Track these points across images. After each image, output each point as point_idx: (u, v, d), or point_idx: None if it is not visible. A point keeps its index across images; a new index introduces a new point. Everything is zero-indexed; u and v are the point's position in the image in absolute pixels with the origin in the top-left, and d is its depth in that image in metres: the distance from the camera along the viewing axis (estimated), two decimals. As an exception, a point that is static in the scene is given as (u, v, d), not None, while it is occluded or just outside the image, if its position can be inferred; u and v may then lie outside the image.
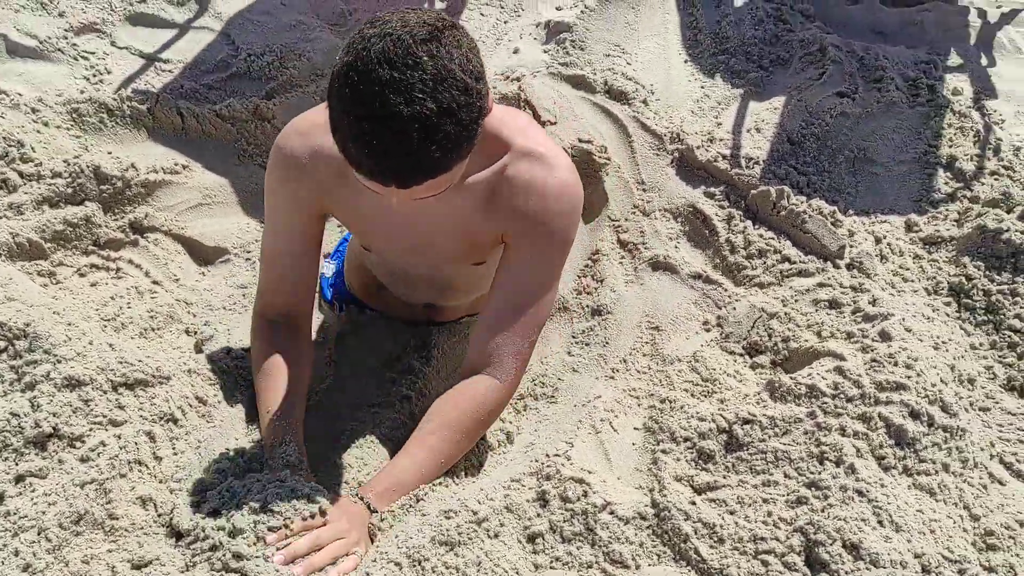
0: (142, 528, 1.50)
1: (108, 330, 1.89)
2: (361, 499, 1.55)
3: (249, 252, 2.23)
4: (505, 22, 2.81)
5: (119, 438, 1.59)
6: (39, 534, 1.44)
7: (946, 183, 2.37)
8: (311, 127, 1.60)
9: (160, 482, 1.58)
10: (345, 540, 1.46)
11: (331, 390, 1.93)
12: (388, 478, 1.59)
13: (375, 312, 2.09)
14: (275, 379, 1.67)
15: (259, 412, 1.68)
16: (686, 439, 1.77)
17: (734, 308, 2.07)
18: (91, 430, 1.60)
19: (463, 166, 1.38)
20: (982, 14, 2.96)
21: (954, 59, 2.75)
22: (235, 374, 1.86)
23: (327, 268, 2.19)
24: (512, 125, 1.59)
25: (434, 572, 1.49)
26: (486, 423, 1.69)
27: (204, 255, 2.20)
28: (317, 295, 2.15)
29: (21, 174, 2.08)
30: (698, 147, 2.38)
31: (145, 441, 1.62)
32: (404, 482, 1.59)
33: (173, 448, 1.65)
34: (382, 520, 1.56)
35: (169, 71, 2.50)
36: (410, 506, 1.68)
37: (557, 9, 2.84)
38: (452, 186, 1.44)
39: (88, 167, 2.09)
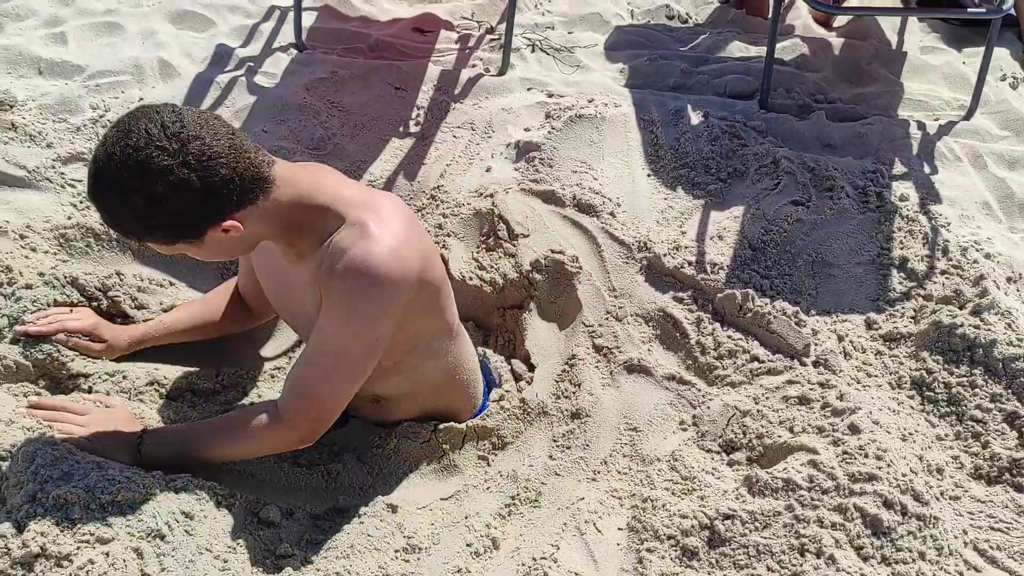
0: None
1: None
2: (144, 429, 1.85)
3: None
4: (477, 143, 2.95)
5: (107, 555, 1.59)
6: (27, 656, 1.42)
7: (900, 283, 2.50)
8: None
9: (149, 599, 1.58)
10: (83, 419, 1.84)
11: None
12: (170, 429, 1.91)
13: (353, 417, 2.13)
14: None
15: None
16: (670, 537, 1.80)
17: (708, 407, 2.14)
18: (79, 548, 1.60)
19: (174, 246, 1.63)
20: (921, 126, 3.17)
21: (899, 168, 2.93)
22: (217, 489, 1.87)
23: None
24: (366, 207, 1.71)
25: None
26: (259, 448, 1.86)
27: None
28: None
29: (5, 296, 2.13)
30: (665, 255, 2.50)
31: (133, 558, 1.62)
32: (178, 439, 1.84)
33: (160, 564, 1.65)
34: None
35: (154, 196, 2.59)
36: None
37: (526, 130, 3.00)
38: (299, 261, 1.73)
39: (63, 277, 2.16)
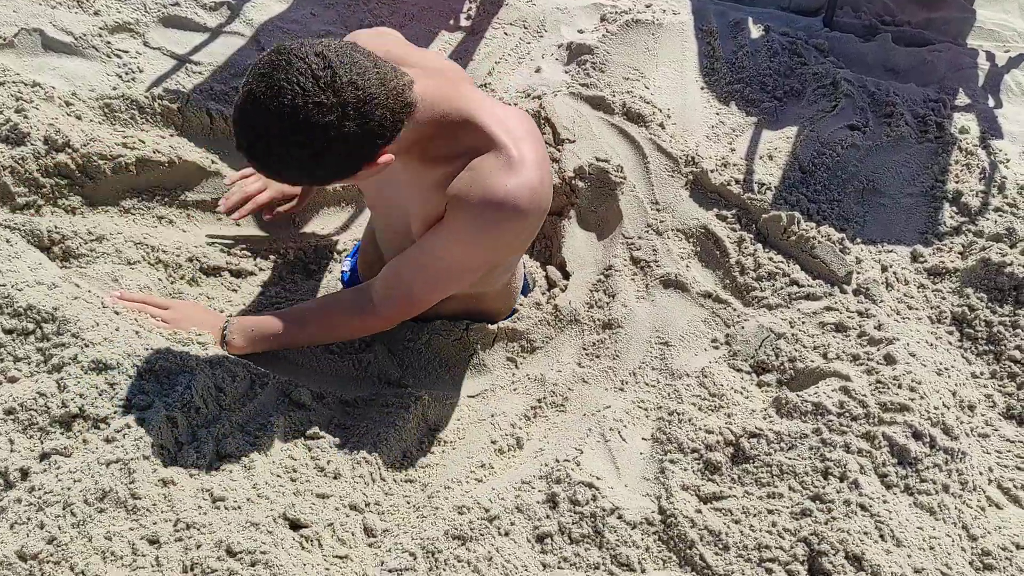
0: (163, 510, 1.54)
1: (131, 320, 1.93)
2: (229, 317, 1.90)
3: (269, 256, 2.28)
4: (528, 42, 2.87)
5: (143, 421, 1.63)
6: (64, 508, 1.47)
7: (951, 217, 2.44)
8: None
9: (181, 467, 1.62)
10: (167, 314, 1.87)
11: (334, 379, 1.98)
12: (254, 319, 1.89)
13: None
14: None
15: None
16: (693, 450, 1.81)
17: (742, 327, 2.12)
18: (116, 412, 1.64)
19: (311, 188, 1.68)
20: (990, 57, 3.03)
21: (962, 99, 2.82)
22: (251, 368, 1.89)
23: (346, 264, 2.25)
24: (508, 130, 1.67)
25: (446, 564, 1.53)
26: (347, 333, 1.93)
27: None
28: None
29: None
30: (712, 171, 2.44)
31: (168, 426, 1.66)
32: (263, 330, 1.87)
33: (194, 435, 1.69)
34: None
35: (199, 73, 2.56)
36: (423, 504, 1.73)
37: (579, 32, 2.91)
38: (421, 163, 1.65)
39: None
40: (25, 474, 1.53)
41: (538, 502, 1.69)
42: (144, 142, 2.22)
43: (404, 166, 1.69)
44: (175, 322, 1.87)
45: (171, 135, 2.34)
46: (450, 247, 1.70)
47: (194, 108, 2.40)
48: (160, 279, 2.07)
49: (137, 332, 1.79)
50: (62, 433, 1.60)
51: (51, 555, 1.43)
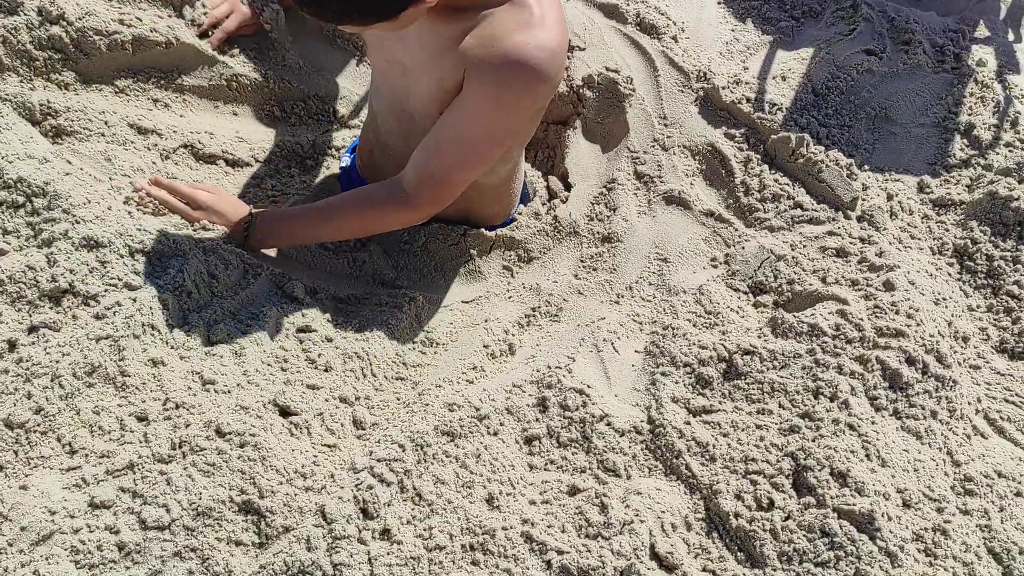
0: (152, 389, 1.53)
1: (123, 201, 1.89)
2: (252, 209, 1.86)
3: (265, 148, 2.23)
4: (543, -58, 2.77)
5: (134, 301, 1.60)
6: (52, 380, 1.46)
7: (962, 149, 2.40)
8: None
9: (172, 348, 1.60)
10: (199, 214, 1.84)
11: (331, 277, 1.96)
12: (280, 213, 1.87)
13: None
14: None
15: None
16: (686, 364, 1.80)
17: (743, 248, 2.10)
18: (106, 290, 1.62)
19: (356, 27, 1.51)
20: (1014, -9, 2.96)
21: (982, 31, 2.76)
22: (245, 257, 1.87)
23: (345, 160, 2.21)
24: None
25: (434, 458, 1.54)
26: (380, 227, 1.87)
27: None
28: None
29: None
30: (723, 88, 2.39)
31: (158, 307, 1.64)
32: (291, 226, 1.85)
33: (184, 319, 1.67)
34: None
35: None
36: (413, 401, 1.73)
37: (596, -64, 2.81)
38: (434, 17, 1.59)
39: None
40: (12, 346, 1.51)
41: (528, 405, 1.69)
42: (141, 20, 2.14)
43: (424, 18, 1.62)
44: (205, 215, 1.84)
45: (169, 16, 2.26)
46: (477, 117, 1.64)
47: (195, -11, 2.31)
48: (154, 162, 2.03)
49: (130, 212, 1.75)
50: (51, 308, 1.57)
51: (38, 425, 1.42)
